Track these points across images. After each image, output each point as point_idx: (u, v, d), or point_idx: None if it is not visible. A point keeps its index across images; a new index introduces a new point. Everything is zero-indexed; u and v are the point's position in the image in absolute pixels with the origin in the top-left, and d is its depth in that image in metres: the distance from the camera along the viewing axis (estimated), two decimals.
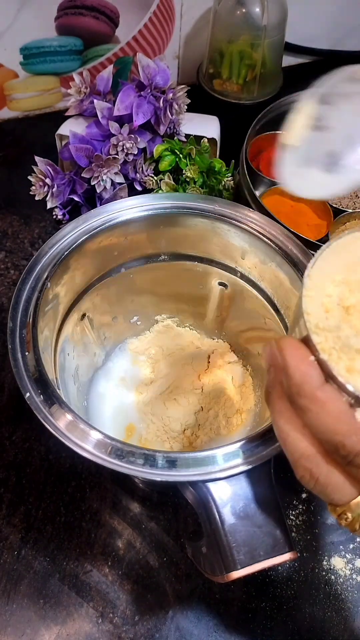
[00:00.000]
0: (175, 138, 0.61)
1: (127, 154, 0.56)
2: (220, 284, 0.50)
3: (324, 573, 0.43)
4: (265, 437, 0.33)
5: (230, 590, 0.42)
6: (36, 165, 0.56)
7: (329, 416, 0.23)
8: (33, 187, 0.58)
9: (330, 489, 0.25)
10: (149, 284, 0.50)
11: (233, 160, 0.61)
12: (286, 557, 0.30)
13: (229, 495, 0.31)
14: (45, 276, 0.39)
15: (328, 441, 0.24)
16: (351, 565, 0.44)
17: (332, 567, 0.44)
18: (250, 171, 0.59)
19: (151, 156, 0.59)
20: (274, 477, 0.32)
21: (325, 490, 0.25)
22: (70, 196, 0.58)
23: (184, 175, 0.58)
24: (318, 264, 0.27)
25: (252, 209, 0.44)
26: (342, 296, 0.26)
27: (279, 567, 0.44)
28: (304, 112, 0.31)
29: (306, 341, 0.25)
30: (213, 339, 0.53)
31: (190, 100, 0.61)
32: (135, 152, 0.57)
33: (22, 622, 0.41)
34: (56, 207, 0.59)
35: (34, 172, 0.57)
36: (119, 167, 0.57)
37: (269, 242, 0.42)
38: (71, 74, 0.64)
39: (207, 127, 0.62)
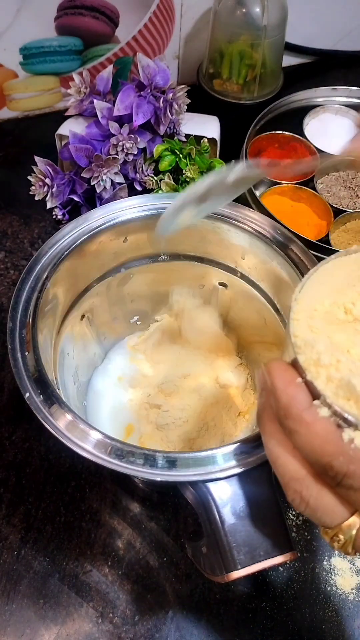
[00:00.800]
0: (175, 138, 0.61)
1: (127, 154, 0.56)
2: (220, 284, 0.50)
3: (324, 573, 0.43)
4: None
5: (230, 590, 0.42)
6: (36, 165, 0.56)
7: (317, 437, 0.23)
8: (33, 187, 0.58)
9: (320, 511, 0.25)
10: (149, 284, 0.50)
11: (233, 160, 0.61)
12: (286, 557, 0.30)
13: (229, 495, 0.31)
14: (45, 276, 0.39)
15: (316, 463, 0.24)
16: (351, 565, 0.44)
17: (332, 567, 0.44)
18: None
19: (151, 156, 0.59)
20: (274, 477, 0.32)
21: (316, 513, 0.25)
22: (70, 196, 0.58)
23: (184, 175, 0.58)
24: (306, 288, 0.27)
25: (252, 209, 0.44)
26: (330, 318, 0.26)
27: (279, 567, 0.44)
28: None
29: (295, 364, 0.25)
30: (215, 326, 0.53)
31: (190, 100, 0.61)
32: (135, 152, 0.57)
33: (21, 622, 0.41)
34: (56, 207, 0.59)
35: (34, 172, 0.57)
36: (119, 167, 0.57)
37: (269, 242, 0.42)
38: (71, 74, 0.64)
39: (207, 127, 0.62)
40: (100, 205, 0.49)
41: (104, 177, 0.56)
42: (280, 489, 0.29)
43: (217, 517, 0.31)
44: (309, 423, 0.23)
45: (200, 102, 0.67)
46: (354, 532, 0.24)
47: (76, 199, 0.58)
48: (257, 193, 0.59)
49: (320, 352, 0.24)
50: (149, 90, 0.58)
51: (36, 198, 0.58)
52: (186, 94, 0.60)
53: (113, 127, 0.56)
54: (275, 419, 0.25)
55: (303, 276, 0.40)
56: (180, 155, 0.58)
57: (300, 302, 0.27)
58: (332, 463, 0.23)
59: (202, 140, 0.59)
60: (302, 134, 0.65)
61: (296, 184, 0.61)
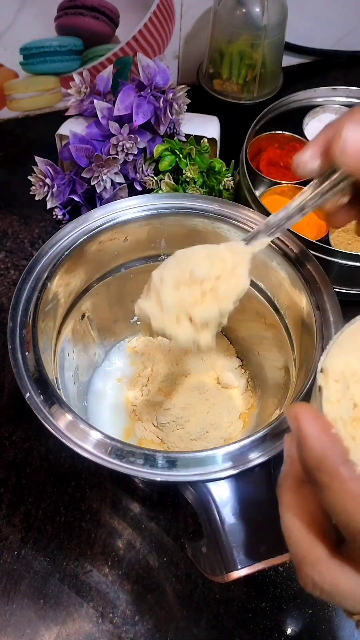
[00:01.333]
0: (175, 138, 0.61)
1: (127, 154, 0.56)
2: None
3: None
4: (265, 437, 0.33)
5: (230, 590, 0.42)
6: (36, 165, 0.56)
7: (352, 497, 0.21)
8: (33, 187, 0.58)
9: (339, 597, 0.22)
10: None
11: (233, 160, 0.61)
12: (286, 557, 0.30)
13: (229, 495, 0.31)
14: (45, 276, 0.39)
15: (346, 526, 0.21)
16: None
17: None
18: (250, 171, 0.59)
19: (151, 156, 0.59)
20: (274, 477, 0.32)
21: (334, 599, 0.22)
22: (70, 196, 0.58)
23: (184, 175, 0.58)
24: (333, 351, 0.25)
25: (252, 209, 0.44)
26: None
27: (279, 567, 0.44)
28: None
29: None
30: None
31: (190, 100, 0.61)
32: (135, 152, 0.57)
33: (22, 622, 0.41)
34: (56, 207, 0.59)
35: (34, 172, 0.57)
36: (119, 167, 0.57)
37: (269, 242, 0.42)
38: (71, 74, 0.64)
39: (207, 127, 0.62)
40: (100, 205, 0.50)
41: (104, 177, 0.56)
42: None
43: (217, 517, 0.31)
44: (345, 480, 0.21)
45: (200, 102, 0.67)
46: None
47: (76, 199, 0.58)
48: (257, 193, 0.59)
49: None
50: (149, 90, 0.58)
51: (36, 198, 0.58)
52: (186, 94, 0.60)
53: (113, 127, 0.56)
54: (295, 491, 0.24)
55: (303, 276, 0.40)
56: (180, 155, 0.58)
57: (329, 365, 0.24)
58: None
59: (202, 140, 0.59)
60: (302, 134, 0.65)
61: (296, 184, 0.61)
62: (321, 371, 0.24)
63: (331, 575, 0.22)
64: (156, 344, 0.52)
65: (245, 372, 0.51)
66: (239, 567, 0.30)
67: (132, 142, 0.56)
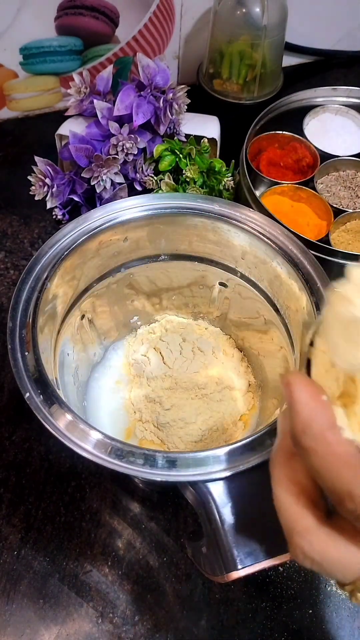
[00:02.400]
0: (175, 138, 0.61)
1: (127, 154, 0.56)
2: (221, 284, 0.50)
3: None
4: (265, 437, 0.33)
5: (230, 590, 0.42)
6: (36, 165, 0.56)
7: (338, 460, 0.21)
8: (33, 187, 0.58)
9: (329, 567, 0.22)
10: (149, 284, 0.50)
11: (233, 160, 0.61)
12: (286, 557, 0.30)
13: (229, 495, 0.31)
14: (45, 276, 0.39)
15: (333, 490, 0.21)
16: None
17: None
18: (250, 171, 0.59)
19: (151, 156, 0.59)
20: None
21: (324, 569, 0.23)
22: (70, 196, 0.58)
23: (184, 175, 0.58)
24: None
25: (252, 209, 0.44)
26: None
27: (279, 567, 0.44)
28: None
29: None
30: (215, 327, 0.53)
31: (190, 100, 0.61)
32: (135, 152, 0.57)
33: (21, 622, 0.41)
34: (56, 207, 0.59)
35: (34, 172, 0.57)
36: (119, 167, 0.57)
37: (269, 242, 0.42)
38: (71, 74, 0.64)
39: (207, 127, 0.62)
40: (100, 205, 0.49)
41: (104, 177, 0.56)
42: None
43: (217, 517, 0.31)
44: (331, 443, 0.21)
45: (200, 102, 0.67)
46: None
47: (76, 199, 0.58)
48: (257, 193, 0.59)
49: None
50: (149, 90, 0.58)
51: (36, 198, 0.58)
52: (186, 94, 0.60)
53: (113, 127, 0.56)
54: (286, 464, 0.24)
55: (303, 276, 0.40)
56: (180, 155, 0.58)
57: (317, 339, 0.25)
58: (353, 491, 0.20)
59: (202, 140, 0.59)
60: (302, 134, 0.65)
61: (296, 184, 0.61)
62: (310, 344, 0.25)
63: (321, 544, 0.22)
64: (157, 344, 0.52)
65: (246, 372, 0.51)
66: (239, 567, 0.30)
67: (132, 142, 0.56)
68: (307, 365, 0.24)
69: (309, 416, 0.21)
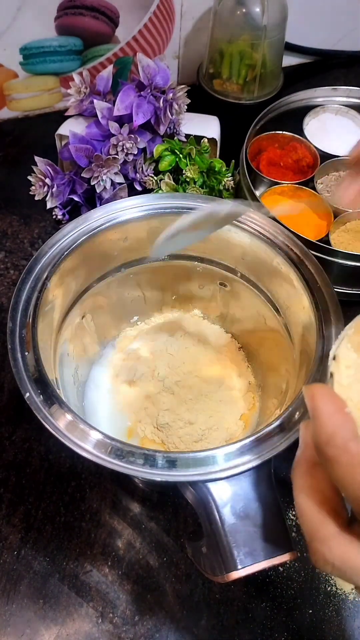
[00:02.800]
0: (175, 138, 0.61)
1: (127, 154, 0.56)
2: (221, 284, 0.50)
3: (324, 573, 0.43)
4: (265, 437, 0.33)
5: (230, 590, 0.42)
6: (36, 165, 0.56)
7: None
8: (33, 187, 0.58)
9: (349, 572, 0.23)
10: (149, 284, 0.50)
11: (233, 160, 0.61)
12: (286, 557, 0.30)
13: (229, 495, 0.31)
14: (45, 276, 0.39)
15: (355, 499, 0.22)
16: None
17: None
18: (250, 171, 0.59)
19: (151, 156, 0.59)
20: (274, 477, 0.32)
21: (344, 575, 0.23)
22: (70, 196, 0.58)
23: (184, 175, 0.58)
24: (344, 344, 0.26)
25: (252, 209, 0.44)
26: None
27: (279, 567, 0.44)
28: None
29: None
30: (216, 327, 0.53)
31: (190, 100, 0.61)
32: (135, 152, 0.57)
33: (21, 622, 0.41)
34: (56, 207, 0.59)
35: (34, 172, 0.57)
36: (119, 167, 0.57)
37: (269, 242, 0.42)
38: (71, 74, 0.64)
39: (207, 127, 0.62)
40: (100, 205, 0.50)
41: (104, 177, 0.56)
42: (280, 489, 0.29)
43: (217, 517, 0.31)
44: (354, 454, 0.22)
45: (200, 102, 0.67)
46: None
47: (76, 199, 0.58)
48: (257, 193, 0.59)
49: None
50: (149, 90, 0.58)
51: (36, 198, 0.58)
52: (186, 94, 0.60)
53: (113, 127, 0.56)
54: (308, 474, 0.25)
55: (303, 276, 0.40)
56: (180, 155, 0.58)
57: (341, 352, 0.26)
58: None
59: (202, 140, 0.59)
60: (302, 134, 0.65)
61: (296, 184, 0.61)
62: (333, 358, 0.26)
63: (341, 550, 0.23)
64: (157, 343, 0.52)
65: (246, 372, 0.51)
66: (239, 567, 0.30)
67: (132, 142, 0.56)
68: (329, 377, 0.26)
69: (333, 427, 0.22)
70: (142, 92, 0.58)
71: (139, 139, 0.57)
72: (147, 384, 0.49)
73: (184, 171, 0.58)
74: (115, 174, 0.57)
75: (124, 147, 0.56)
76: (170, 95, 0.58)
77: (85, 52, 0.68)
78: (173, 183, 0.58)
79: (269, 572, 0.43)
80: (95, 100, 0.57)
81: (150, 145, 0.59)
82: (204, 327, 0.53)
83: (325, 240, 0.57)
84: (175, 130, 0.61)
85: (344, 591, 0.43)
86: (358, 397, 0.26)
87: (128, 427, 0.48)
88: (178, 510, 0.45)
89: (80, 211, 0.60)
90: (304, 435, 0.26)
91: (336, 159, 0.64)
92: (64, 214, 0.59)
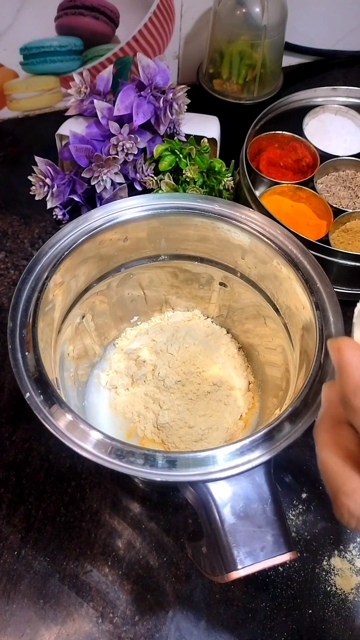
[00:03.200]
0: (175, 138, 0.61)
1: (127, 154, 0.56)
2: (220, 284, 0.50)
3: (324, 573, 0.43)
4: (265, 437, 0.33)
5: (230, 590, 0.42)
6: (36, 165, 0.56)
7: None
8: (33, 187, 0.58)
9: None
10: (149, 284, 0.50)
11: (233, 160, 0.61)
12: (286, 557, 0.30)
13: (229, 495, 0.31)
14: (45, 276, 0.39)
15: None
16: (351, 566, 0.44)
17: (332, 567, 0.44)
18: (250, 171, 0.59)
19: (151, 156, 0.59)
20: (274, 477, 0.32)
21: None
22: (70, 196, 0.58)
23: (184, 175, 0.58)
24: None
25: (252, 209, 0.44)
26: None
27: (279, 567, 0.44)
28: None
29: None
30: (215, 327, 0.53)
31: (190, 100, 0.61)
32: (135, 152, 0.57)
33: (22, 622, 0.41)
34: (56, 207, 0.59)
35: (34, 172, 0.57)
36: (119, 167, 0.57)
37: (269, 242, 0.42)
38: (71, 74, 0.64)
39: (207, 127, 0.62)
40: (100, 205, 0.50)
41: (104, 177, 0.56)
42: (280, 489, 0.29)
43: (217, 517, 0.31)
44: None
45: (200, 102, 0.67)
46: None
47: (76, 199, 0.58)
48: (257, 193, 0.59)
49: None
50: (149, 90, 0.58)
51: (36, 198, 0.58)
52: (186, 94, 0.60)
53: (113, 127, 0.56)
54: (331, 430, 0.25)
55: (303, 276, 0.40)
56: (180, 155, 0.58)
57: None
58: None
59: (202, 140, 0.59)
60: (302, 134, 0.65)
61: (296, 184, 0.61)
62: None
63: None
64: (157, 343, 0.52)
65: (246, 372, 0.51)
66: (239, 567, 0.30)
67: (132, 142, 0.56)
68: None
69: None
70: (142, 92, 0.58)
71: (139, 139, 0.57)
72: (147, 384, 0.49)
73: (184, 171, 0.58)
74: (116, 174, 0.57)
75: (124, 147, 0.56)
76: (170, 95, 0.58)
77: (85, 52, 0.68)
78: (173, 183, 0.58)
79: (269, 572, 0.43)
80: (95, 100, 0.57)
81: (150, 145, 0.59)
82: (204, 327, 0.53)
83: (325, 240, 0.57)
84: (175, 130, 0.61)
85: (344, 591, 0.43)
86: None
87: (128, 427, 0.48)
88: (178, 510, 0.45)
89: (80, 211, 0.60)
90: (327, 393, 0.27)
91: (336, 159, 0.64)
92: (64, 214, 0.59)
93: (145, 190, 0.59)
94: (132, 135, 0.56)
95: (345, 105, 0.69)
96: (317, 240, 0.54)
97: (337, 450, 0.25)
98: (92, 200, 0.59)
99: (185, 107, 0.60)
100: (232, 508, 0.31)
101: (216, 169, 0.58)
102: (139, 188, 0.59)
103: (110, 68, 0.59)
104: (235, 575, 0.30)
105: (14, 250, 0.61)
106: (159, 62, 0.58)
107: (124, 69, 0.71)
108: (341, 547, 0.44)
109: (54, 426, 0.33)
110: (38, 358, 0.35)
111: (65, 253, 0.40)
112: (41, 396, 0.34)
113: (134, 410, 0.48)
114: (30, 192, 0.58)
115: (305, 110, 0.68)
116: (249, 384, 0.50)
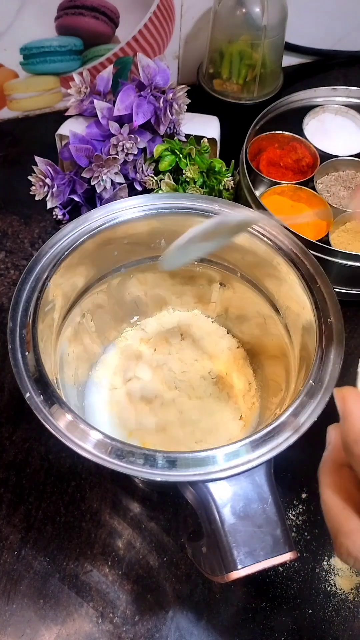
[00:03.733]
0: (175, 138, 0.61)
1: (127, 154, 0.56)
2: (220, 284, 0.50)
3: (323, 573, 0.43)
4: (265, 437, 0.33)
5: (230, 590, 0.42)
6: (36, 165, 0.56)
7: None
8: (33, 187, 0.58)
9: None
10: (149, 283, 0.50)
11: (233, 160, 0.61)
12: (286, 557, 0.30)
13: (229, 495, 0.31)
14: (45, 276, 0.39)
15: None
16: None
17: (331, 567, 0.44)
18: (250, 171, 0.59)
19: (151, 156, 0.59)
20: (274, 477, 0.32)
21: None
22: (70, 196, 0.58)
23: (184, 175, 0.58)
24: None
25: (252, 209, 0.44)
26: None
27: (279, 567, 0.44)
28: None
29: None
30: (216, 325, 0.53)
31: (190, 100, 0.61)
32: (135, 152, 0.57)
33: (22, 622, 0.41)
34: (56, 207, 0.59)
35: (34, 172, 0.57)
36: (119, 167, 0.57)
37: (269, 242, 0.42)
38: (71, 74, 0.64)
39: (207, 127, 0.62)
40: (101, 205, 0.50)
41: (104, 177, 0.56)
42: (280, 489, 0.29)
43: (217, 517, 0.31)
44: None
45: (200, 102, 0.67)
46: None
47: (76, 199, 0.58)
48: (257, 193, 0.59)
49: None
50: (149, 90, 0.58)
51: (36, 198, 0.58)
52: (186, 94, 0.60)
53: (113, 127, 0.56)
54: (334, 472, 0.26)
55: (303, 276, 0.40)
56: (180, 155, 0.58)
57: None
58: None
59: (202, 140, 0.59)
60: (302, 134, 0.65)
61: (296, 184, 0.61)
62: None
63: None
64: (157, 343, 0.52)
65: (246, 372, 0.51)
66: (239, 567, 0.30)
67: (132, 142, 0.56)
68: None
69: None
70: (142, 92, 0.58)
71: (139, 139, 0.57)
72: (147, 384, 0.49)
73: (184, 171, 0.58)
74: (116, 174, 0.57)
75: (124, 147, 0.56)
76: (170, 95, 0.58)
77: (85, 52, 0.68)
78: (173, 183, 0.58)
79: (269, 572, 0.43)
80: (95, 100, 0.57)
81: (150, 145, 0.59)
82: (204, 327, 0.53)
83: (325, 240, 0.57)
84: (175, 130, 0.61)
85: (344, 591, 0.43)
86: None
87: (127, 427, 0.48)
88: (178, 510, 0.45)
89: (80, 211, 0.60)
90: (332, 437, 0.28)
91: (336, 159, 0.64)
92: (64, 214, 0.59)
93: (145, 190, 0.59)
94: (132, 135, 0.56)
95: (345, 105, 0.69)
96: (317, 240, 0.54)
97: (338, 491, 0.26)
98: (92, 200, 0.59)
99: (185, 107, 0.60)
100: (232, 508, 0.31)
101: (216, 169, 0.59)
102: (139, 188, 0.60)
103: (110, 68, 0.59)
104: (235, 575, 0.30)
105: (14, 250, 0.61)
106: (159, 62, 0.58)
107: (124, 69, 0.71)
108: None
109: (54, 426, 0.33)
110: (38, 358, 0.35)
111: (65, 253, 0.40)
112: (41, 396, 0.34)
113: (135, 409, 0.48)
114: (30, 192, 0.58)
115: (305, 110, 0.68)
116: (249, 383, 0.50)
